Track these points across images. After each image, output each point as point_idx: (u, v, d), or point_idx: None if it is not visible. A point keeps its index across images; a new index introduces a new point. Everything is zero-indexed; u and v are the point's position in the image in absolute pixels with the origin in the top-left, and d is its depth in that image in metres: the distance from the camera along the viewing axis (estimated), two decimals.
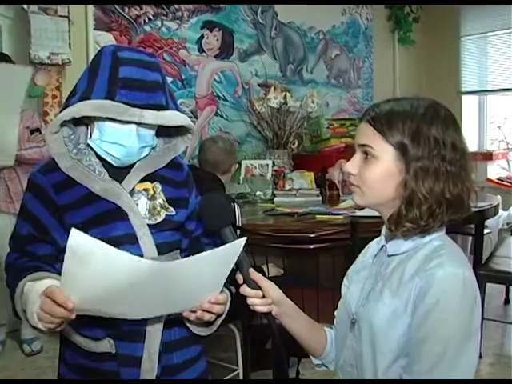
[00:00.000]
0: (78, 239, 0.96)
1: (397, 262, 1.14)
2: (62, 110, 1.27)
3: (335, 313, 1.34)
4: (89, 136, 1.30)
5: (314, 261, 2.26)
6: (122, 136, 1.27)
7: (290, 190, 3.96)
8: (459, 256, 1.11)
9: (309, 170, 4.12)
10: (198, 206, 1.34)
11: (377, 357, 1.11)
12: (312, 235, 2.30)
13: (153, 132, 1.32)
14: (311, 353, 1.31)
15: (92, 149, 1.32)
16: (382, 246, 1.20)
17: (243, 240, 1.10)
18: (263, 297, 1.18)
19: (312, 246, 2.25)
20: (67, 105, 1.26)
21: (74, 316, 1.06)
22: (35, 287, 1.13)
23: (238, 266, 1.16)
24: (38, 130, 3.38)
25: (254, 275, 1.18)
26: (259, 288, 1.18)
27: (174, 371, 1.33)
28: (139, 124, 1.26)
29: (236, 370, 2.80)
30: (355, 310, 1.19)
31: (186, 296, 1.16)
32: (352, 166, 1.16)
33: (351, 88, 5.62)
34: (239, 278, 1.17)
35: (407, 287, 1.08)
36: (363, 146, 1.14)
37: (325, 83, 5.36)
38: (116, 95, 1.21)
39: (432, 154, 1.07)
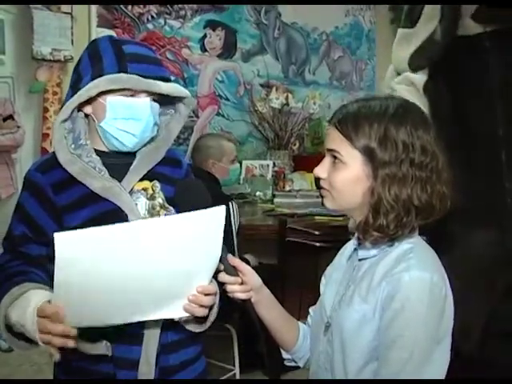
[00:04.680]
0: (64, 242, 0.94)
1: (367, 266, 1.11)
2: (70, 97, 1.24)
3: (310, 310, 1.32)
4: (96, 122, 1.27)
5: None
6: (137, 110, 1.25)
7: (290, 191, 3.96)
8: (429, 259, 1.08)
9: (309, 172, 4.11)
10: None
11: (346, 362, 1.08)
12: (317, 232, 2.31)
13: (158, 107, 1.32)
14: (282, 346, 1.29)
15: (97, 138, 1.29)
16: (355, 249, 1.18)
17: (223, 208, 1.07)
18: (242, 283, 1.17)
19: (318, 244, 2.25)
20: (77, 90, 1.23)
21: (74, 331, 1.03)
22: (26, 315, 1.08)
23: None
24: (11, 116, 3.38)
25: (233, 260, 1.16)
26: (238, 274, 1.16)
27: (170, 373, 1.30)
28: (152, 97, 1.27)
29: (232, 370, 2.80)
30: (329, 313, 1.17)
31: (181, 275, 1.12)
32: (321, 170, 1.14)
33: (353, 90, 5.60)
34: (219, 265, 1.15)
35: (375, 292, 1.05)
36: (331, 150, 1.11)
37: (327, 85, 5.35)
38: (127, 69, 1.22)
39: (400, 159, 1.04)
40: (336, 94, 5.41)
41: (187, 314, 1.17)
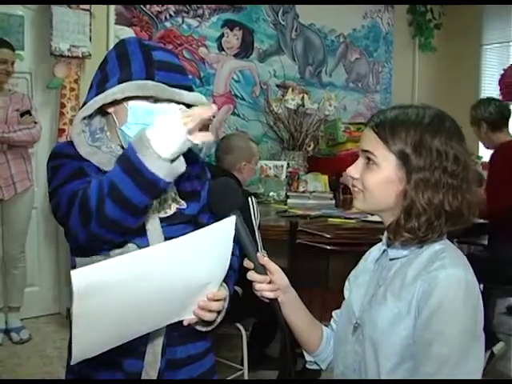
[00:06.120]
0: (81, 278, 0.93)
1: (398, 266, 1.15)
2: (94, 95, 1.25)
3: (333, 314, 1.35)
4: (117, 124, 1.28)
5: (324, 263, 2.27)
6: (158, 117, 1.25)
7: (303, 192, 3.95)
8: (460, 258, 1.12)
9: (323, 173, 4.11)
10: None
11: (379, 360, 1.10)
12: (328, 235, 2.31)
13: None
14: (305, 348, 1.32)
15: (115, 136, 1.30)
16: (384, 251, 1.21)
17: (233, 218, 1.11)
18: (270, 282, 1.19)
19: (329, 247, 2.25)
20: (103, 89, 1.25)
21: None
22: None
23: (245, 253, 1.17)
24: (28, 112, 3.40)
25: (262, 259, 1.19)
26: (267, 273, 1.19)
27: (177, 366, 1.32)
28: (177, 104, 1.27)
29: (241, 369, 2.80)
30: (358, 314, 1.19)
31: (193, 286, 1.15)
32: (354, 170, 1.18)
33: (369, 92, 5.59)
34: (248, 264, 1.18)
35: (410, 290, 1.08)
36: (366, 151, 1.15)
37: (343, 86, 5.34)
38: (155, 76, 1.24)
39: (434, 166, 1.08)
40: (352, 96, 5.41)
41: (195, 318, 1.20)
